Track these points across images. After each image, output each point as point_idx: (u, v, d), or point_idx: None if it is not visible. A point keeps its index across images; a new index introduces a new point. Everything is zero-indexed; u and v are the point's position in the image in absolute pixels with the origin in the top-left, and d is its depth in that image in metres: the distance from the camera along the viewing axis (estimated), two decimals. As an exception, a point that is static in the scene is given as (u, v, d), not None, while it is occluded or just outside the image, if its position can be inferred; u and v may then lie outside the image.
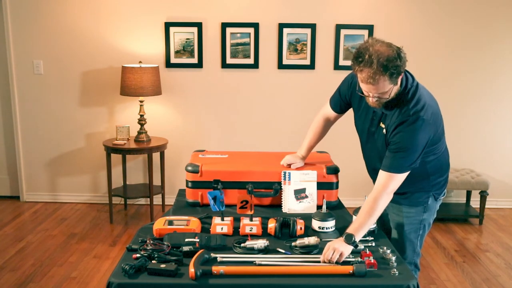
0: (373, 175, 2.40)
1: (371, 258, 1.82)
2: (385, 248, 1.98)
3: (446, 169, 2.31)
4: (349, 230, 1.98)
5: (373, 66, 1.86)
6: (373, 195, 2.05)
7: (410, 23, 4.38)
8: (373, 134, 2.22)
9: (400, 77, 1.98)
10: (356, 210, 2.18)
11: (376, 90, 1.94)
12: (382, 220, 2.37)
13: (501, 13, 4.37)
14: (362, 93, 2.05)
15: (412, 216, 2.27)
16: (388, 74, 1.88)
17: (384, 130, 2.11)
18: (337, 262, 1.86)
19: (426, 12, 4.37)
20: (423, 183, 2.21)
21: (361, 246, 1.95)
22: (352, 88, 2.27)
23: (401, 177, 2.05)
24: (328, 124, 2.54)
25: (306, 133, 2.57)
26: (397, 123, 2.03)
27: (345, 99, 2.36)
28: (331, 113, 2.47)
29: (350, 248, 1.91)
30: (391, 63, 1.87)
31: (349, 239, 1.91)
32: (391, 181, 2.03)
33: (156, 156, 4.45)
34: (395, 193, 2.11)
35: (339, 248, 1.88)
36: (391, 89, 1.95)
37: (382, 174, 2.06)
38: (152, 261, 1.79)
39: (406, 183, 2.11)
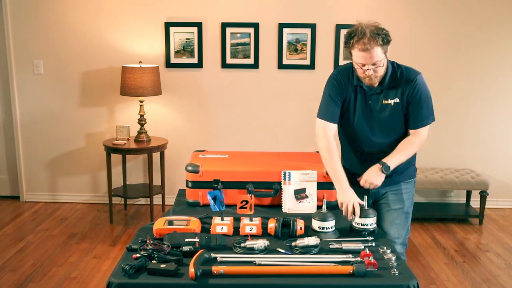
0: (361, 157, 2.42)
1: (371, 258, 1.82)
2: (385, 248, 1.98)
3: None
4: (386, 160, 2.26)
5: (367, 34, 2.12)
6: (409, 140, 2.31)
7: (410, 23, 4.38)
8: (376, 117, 2.31)
9: (388, 49, 2.20)
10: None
11: (371, 58, 2.16)
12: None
13: (501, 13, 4.37)
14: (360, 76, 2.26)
15: (409, 191, 2.46)
16: (380, 39, 2.13)
17: (396, 100, 2.28)
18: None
19: (426, 12, 4.37)
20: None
21: (361, 246, 1.95)
22: (343, 85, 2.34)
23: (425, 131, 2.34)
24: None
25: (333, 166, 2.31)
26: (407, 85, 2.26)
27: (340, 101, 2.35)
28: (333, 128, 2.37)
29: (383, 177, 2.27)
30: (381, 30, 2.15)
31: (387, 169, 2.24)
32: (423, 133, 2.32)
33: (156, 156, 4.45)
34: (393, 173, 2.32)
35: (374, 182, 2.26)
36: (383, 59, 2.20)
37: (412, 132, 2.32)
38: (152, 261, 1.79)
39: None
